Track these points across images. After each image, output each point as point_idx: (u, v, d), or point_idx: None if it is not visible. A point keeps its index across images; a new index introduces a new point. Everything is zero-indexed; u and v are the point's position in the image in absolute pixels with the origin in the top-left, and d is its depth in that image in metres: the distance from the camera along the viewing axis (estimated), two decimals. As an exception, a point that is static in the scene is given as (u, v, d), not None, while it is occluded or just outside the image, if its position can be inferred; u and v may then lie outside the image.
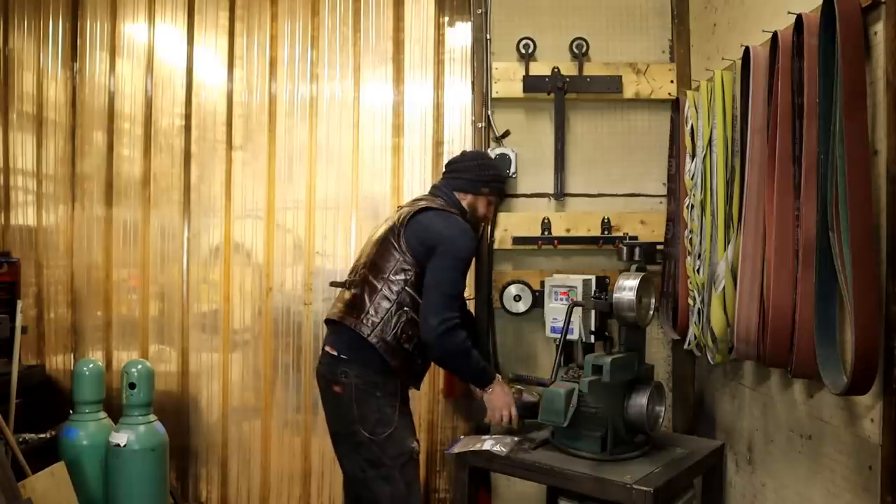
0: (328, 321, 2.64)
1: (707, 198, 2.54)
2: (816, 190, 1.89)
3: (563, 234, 3.20)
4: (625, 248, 2.64)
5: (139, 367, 3.24)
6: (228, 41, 3.69)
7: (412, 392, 2.64)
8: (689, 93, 2.78)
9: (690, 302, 2.69)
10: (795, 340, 1.96)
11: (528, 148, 3.25)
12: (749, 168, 2.22)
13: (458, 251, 2.49)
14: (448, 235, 2.49)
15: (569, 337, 2.65)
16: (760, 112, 2.18)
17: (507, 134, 3.25)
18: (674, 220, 2.98)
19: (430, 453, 3.52)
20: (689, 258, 2.70)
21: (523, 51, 3.22)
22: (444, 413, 3.53)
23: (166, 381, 3.65)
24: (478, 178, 2.70)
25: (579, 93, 3.21)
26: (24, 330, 3.34)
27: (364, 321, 2.46)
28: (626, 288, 2.42)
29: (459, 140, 3.50)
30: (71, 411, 3.27)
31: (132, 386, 3.19)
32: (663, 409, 2.50)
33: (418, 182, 3.54)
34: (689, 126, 2.71)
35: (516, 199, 3.27)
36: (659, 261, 2.97)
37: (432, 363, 2.65)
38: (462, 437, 3.04)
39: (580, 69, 3.21)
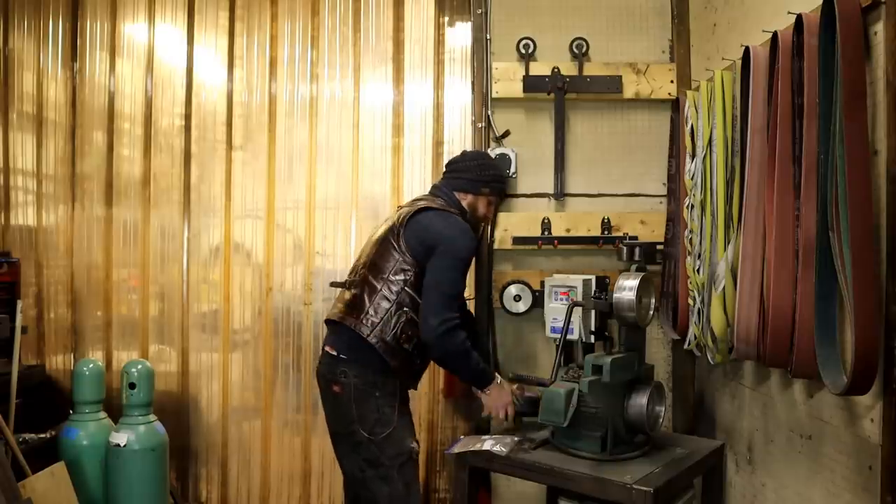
0: (328, 321, 2.64)
1: (707, 198, 2.54)
2: (816, 190, 1.89)
3: (563, 234, 3.20)
4: (625, 248, 2.64)
5: (139, 367, 3.24)
6: (228, 41, 3.69)
7: (412, 392, 2.64)
8: (689, 93, 2.78)
9: (690, 302, 2.69)
10: (795, 340, 1.96)
11: (528, 148, 3.25)
12: (749, 168, 2.22)
13: (458, 251, 2.49)
14: (447, 235, 2.49)
15: (569, 337, 2.65)
16: (760, 112, 2.18)
17: (507, 134, 3.25)
18: (674, 220, 2.98)
19: (430, 453, 3.52)
20: (689, 258, 2.70)
21: (523, 51, 3.22)
22: (444, 413, 3.52)
23: (166, 381, 3.65)
24: (478, 178, 2.70)
25: (579, 93, 3.21)
26: (24, 330, 3.34)
27: (363, 321, 2.46)
28: (626, 288, 2.42)
29: (459, 140, 3.50)
30: (71, 411, 3.27)
31: (132, 386, 3.19)
32: (663, 409, 2.50)
33: (418, 182, 3.54)
34: (689, 126, 2.71)
35: (516, 199, 3.27)
36: (659, 261, 2.97)
37: (431, 363, 2.65)
38: (462, 437, 3.04)
39: (580, 69, 3.21)
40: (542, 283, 2.99)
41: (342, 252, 3.60)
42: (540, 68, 3.22)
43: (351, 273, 2.66)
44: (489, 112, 3.25)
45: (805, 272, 1.93)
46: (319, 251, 3.62)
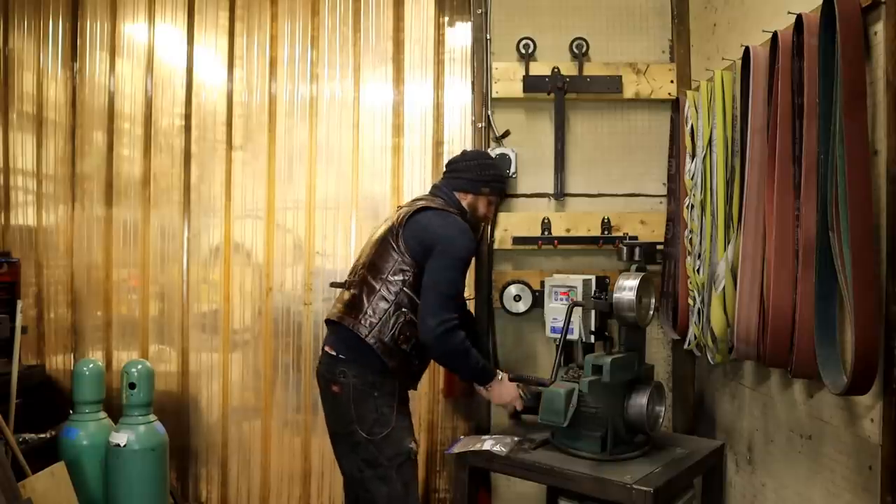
0: (328, 321, 2.64)
1: (707, 198, 2.54)
2: (816, 190, 1.89)
3: (563, 234, 3.20)
4: (625, 248, 2.64)
5: (139, 367, 3.24)
6: (228, 41, 3.69)
7: (412, 392, 2.64)
8: (689, 93, 2.78)
9: (690, 302, 2.69)
10: (795, 340, 1.96)
11: (528, 148, 3.25)
12: (749, 168, 2.22)
13: (457, 251, 2.49)
14: (446, 235, 2.49)
15: (569, 337, 2.64)
16: (760, 112, 2.18)
17: (507, 134, 3.25)
18: (674, 220, 2.97)
19: (430, 453, 3.52)
20: (689, 258, 2.70)
21: (523, 51, 3.22)
22: (444, 413, 3.52)
23: (166, 381, 3.65)
24: (478, 177, 2.70)
25: (579, 93, 3.21)
26: (24, 330, 3.34)
27: (362, 322, 2.46)
28: (626, 288, 2.42)
29: (459, 140, 3.50)
30: (71, 411, 3.27)
31: (132, 386, 3.19)
32: (663, 409, 2.50)
33: (418, 182, 3.54)
34: (689, 126, 2.71)
35: (516, 199, 3.27)
36: (659, 261, 2.97)
37: (431, 363, 2.65)
38: (462, 437, 3.04)
39: (580, 69, 3.21)
40: (542, 283, 2.99)
41: (342, 252, 3.60)
42: (540, 68, 3.22)
43: (350, 273, 2.66)
44: (489, 112, 3.25)
45: (805, 272, 1.93)
46: (319, 251, 3.62)
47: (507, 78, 3.23)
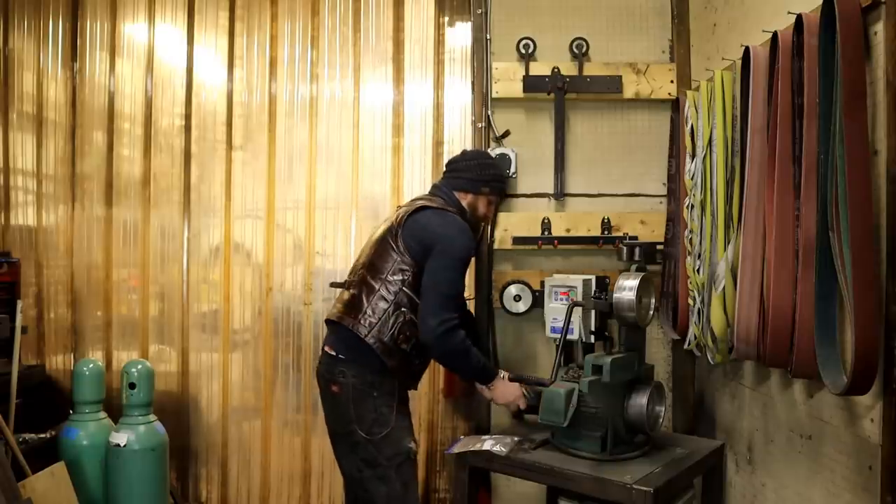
0: (328, 321, 2.64)
1: (707, 198, 2.54)
2: (816, 190, 1.89)
3: (563, 234, 3.20)
4: (625, 248, 2.64)
5: (139, 367, 3.24)
6: (228, 41, 3.69)
7: (412, 392, 2.64)
8: (689, 93, 2.78)
9: (690, 302, 2.69)
10: (795, 340, 1.96)
11: (528, 148, 3.25)
12: (749, 168, 2.22)
13: (456, 251, 2.48)
14: (445, 234, 2.49)
15: (569, 337, 2.65)
16: (760, 112, 2.18)
17: (507, 134, 3.25)
18: (674, 220, 2.97)
19: (430, 453, 3.52)
20: (689, 258, 2.70)
21: (523, 51, 3.22)
22: (444, 413, 3.52)
23: (166, 381, 3.65)
24: (478, 177, 2.70)
25: (579, 93, 3.21)
26: (24, 330, 3.34)
27: (361, 321, 2.46)
28: (626, 288, 2.42)
29: (459, 140, 3.50)
30: (71, 411, 3.27)
31: (132, 386, 3.19)
32: (663, 409, 2.50)
33: (418, 182, 3.54)
34: (689, 126, 2.71)
35: (516, 199, 3.27)
36: (659, 261, 2.97)
37: (432, 362, 2.65)
38: (462, 437, 3.04)
39: (580, 69, 3.21)
40: (542, 283, 2.99)
41: (342, 252, 3.60)
42: (540, 68, 3.21)
43: (350, 273, 2.66)
44: (489, 112, 3.25)
45: (805, 272, 1.93)
46: (319, 251, 3.62)
47: (507, 78, 3.23)
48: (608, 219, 3.19)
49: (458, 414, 3.50)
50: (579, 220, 3.21)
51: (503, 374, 2.66)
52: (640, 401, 2.38)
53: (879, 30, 1.76)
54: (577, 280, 2.79)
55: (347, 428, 2.47)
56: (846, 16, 1.75)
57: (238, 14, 3.68)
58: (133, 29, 3.75)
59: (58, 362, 3.74)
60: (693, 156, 2.67)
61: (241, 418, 3.68)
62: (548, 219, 3.20)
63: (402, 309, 2.46)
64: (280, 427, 3.64)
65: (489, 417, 3.20)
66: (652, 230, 3.17)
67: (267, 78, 3.67)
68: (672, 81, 3.19)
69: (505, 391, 2.64)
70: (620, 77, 3.19)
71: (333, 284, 2.91)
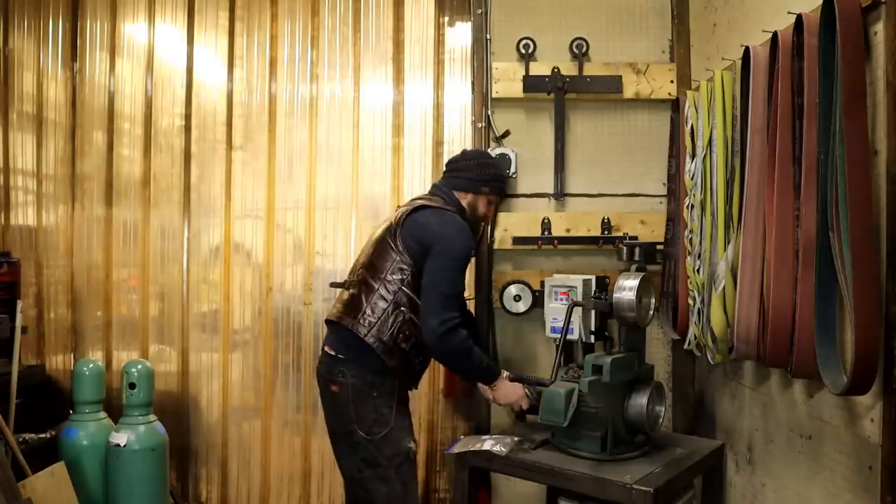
0: (328, 321, 2.64)
1: (707, 198, 2.54)
2: (816, 190, 1.89)
3: (563, 234, 3.20)
4: (625, 248, 2.64)
5: (139, 367, 3.24)
6: (228, 41, 3.69)
7: (412, 392, 2.64)
8: (689, 93, 2.78)
9: (690, 302, 2.69)
10: (795, 340, 1.96)
11: (528, 148, 3.25)
12: (749, 168, 2.22)
13: (455, 250, 2.48)
14: (444, 234, 2.48)
15: (569, 337, 2.65)
16: (760, 112, 2.18)
17: (507, 134, 3.25)
18: (674, 220, 2.98)
19: (430, 453, 3.52)
20: (689, 258, 2.70)
21: (523, 51, 3.22)
22: (444, 413, 3.52)
23: (166, 381, 3.65)
24: (478, 177, 2.70)
25: (579, 93, 3.21)
26: (24, 330, 3.34)
27: (361, 321, 2.46)
28: (626, 288, 2.42)
29: (459, 140, 3.50)
30: (71, 411, 3.27)
31: (132, 386, 3.19)
32: (663, 409, 2.50)
33: (418, 182, 3.54)
34: (689, 126, 2.71)
35: (516, 199, 3.27)
36: (659, 261, 2.97)
37: (433, 362, 2.65)
38: (462, 437, 3.04)
39: (580, 69, 3.21)
40: (542, 283, 2.99)
41: (342, 252, 3.60)
42: (540, 68, 3.21)
43: (350, 273, 2.66)
44: (489, 112, 3.25)
45: (805, 272, 1.93)
46: (319, 251, 3.62)
47: (507, 78, 3.23)
48: (608, 219, 3.19)
49: (458, 414, 3.50)
50: (579, 220, 3.21)
51: (506, 373, 2.66)
52: (640, 401, 2.38)
53: (879, 30, 1.76)
54: (577, 280, 2.80)
55: (347, 428, 2.47)
56: (846, 16, 1.75)
57: (238, 14, 3.68)
58: (133, 29, 3.75)
59: (58, 362, 3.74)
60: (693, 156, 2.67)
61: (241, 418, 3.68)
62: (548, 219, 3.20)
63: (402, 308, 2.46)
64: (280, 427, 3.64)
65: (489, 417, 3.20)
66: (652, 230, 3.17)
67: (267, 78, 3.66)
68: (672, 81, 3.19)
69: (507, 391, 2.63)
70: (620, 77, 3.19)
71: (333, 284, 2.91)
